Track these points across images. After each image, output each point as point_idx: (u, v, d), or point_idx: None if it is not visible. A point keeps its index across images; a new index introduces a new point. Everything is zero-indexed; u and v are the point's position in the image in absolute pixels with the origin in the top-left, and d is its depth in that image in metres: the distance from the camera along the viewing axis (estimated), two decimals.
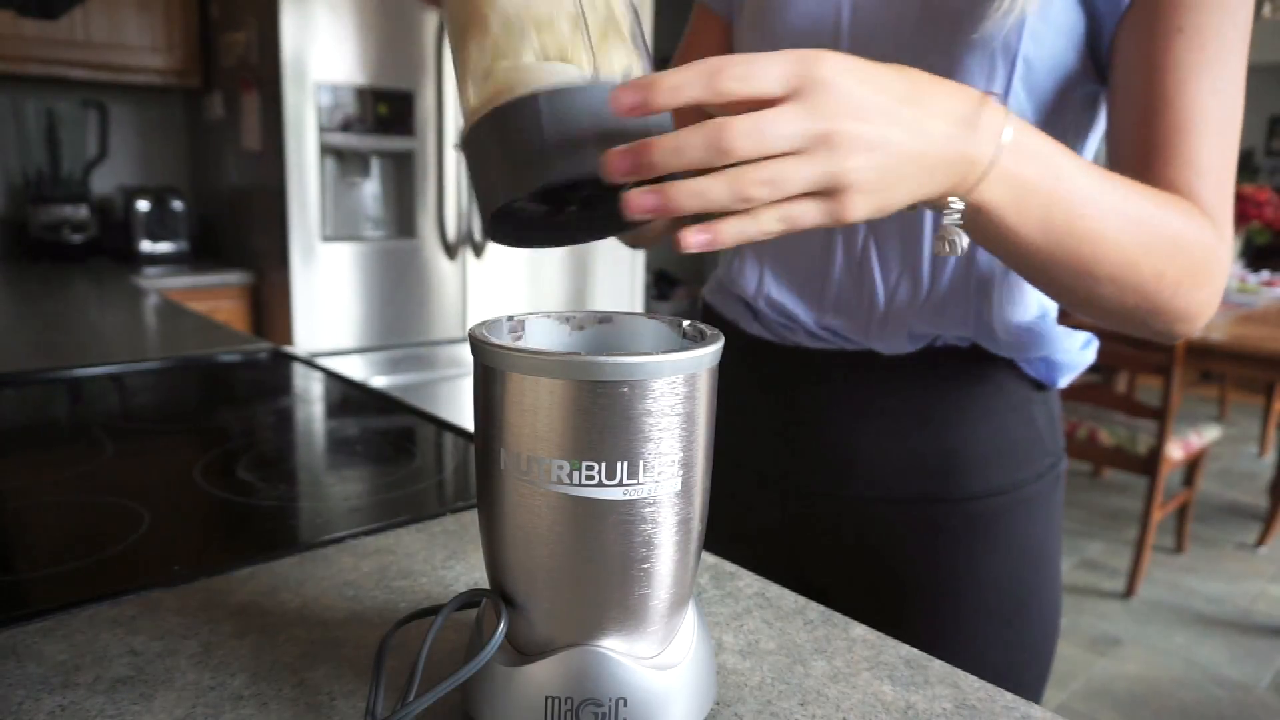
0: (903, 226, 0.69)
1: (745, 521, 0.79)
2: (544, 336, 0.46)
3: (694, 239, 0.39)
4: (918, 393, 0.72)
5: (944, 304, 0.69)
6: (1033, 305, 0.71)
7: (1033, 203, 0.48)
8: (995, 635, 0.73)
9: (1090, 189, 0.50)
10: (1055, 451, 0.75)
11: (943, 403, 0.71)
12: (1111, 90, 0.61)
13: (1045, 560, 0.75)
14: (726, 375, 0.78)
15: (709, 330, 0.42)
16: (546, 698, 0.40)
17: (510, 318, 0.44)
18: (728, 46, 0.82)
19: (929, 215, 0.67)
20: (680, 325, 0.45)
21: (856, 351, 0.72)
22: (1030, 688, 0.75)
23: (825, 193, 0.41)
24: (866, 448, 0.73)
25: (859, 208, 0.42)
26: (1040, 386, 0.74)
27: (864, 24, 0.66)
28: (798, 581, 0.67)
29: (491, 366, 0.39)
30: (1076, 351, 0.74)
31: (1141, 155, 0.58)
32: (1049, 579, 0.75)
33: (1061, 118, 0.64)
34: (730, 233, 0.40)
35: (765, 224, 0.40)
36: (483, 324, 0.42)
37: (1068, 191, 0.49)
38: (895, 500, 0.73)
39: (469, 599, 0.44)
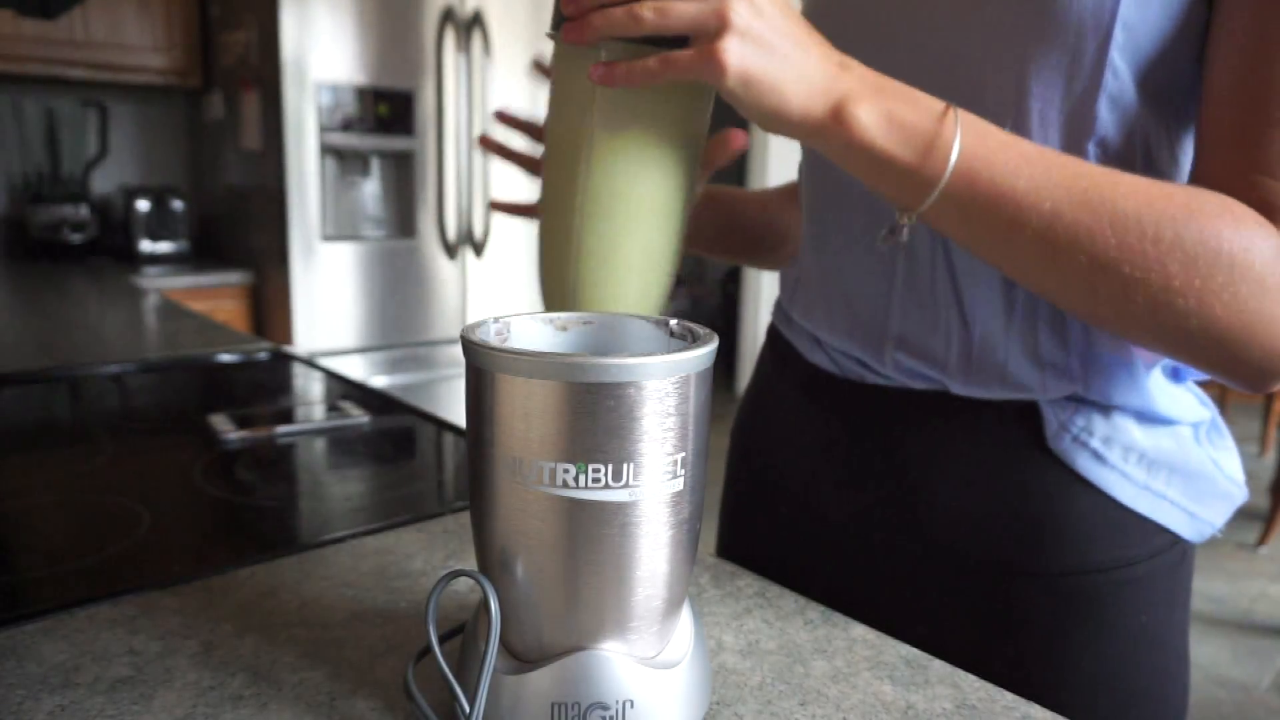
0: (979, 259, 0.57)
1: (813, 573, 0.68)
2: (529, 338, 0.45)
3: (595, 72, 0.49)
4: (1002, 440, 0.59)
5: (1037, 346, 0.58)
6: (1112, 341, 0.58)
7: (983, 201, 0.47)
8: None
9: (1030, 169, 0.47)
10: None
11: (1035, 455, 0.59)
12: (1206, 62, 0.52)
13: (1162, 651, 0.61)
14: (788, 405, 0.71)
15: (701, 330, 0.42)
16: (553, 704, 0.39)
17: (496, 319, 0.44)
18: None
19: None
20: (667, 324, 0.44)
21: (927, 390, 0.62)
22: None
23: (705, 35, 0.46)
24: (942, 498, 0.61)
25: (733, 52, 0.45)
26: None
27: None
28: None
29: (485, 369, 0.38)
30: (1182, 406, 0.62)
31: (1212, 140, 0.51)
32: (1168, 673, 0.62)
33: (1171, 97, 0.54)
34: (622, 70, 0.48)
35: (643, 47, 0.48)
36: (470, 326, 0.42)
37: (1010, 184, 0.47)
38: (968, 568, 0.61)
39: (453, 577, 0.43)
